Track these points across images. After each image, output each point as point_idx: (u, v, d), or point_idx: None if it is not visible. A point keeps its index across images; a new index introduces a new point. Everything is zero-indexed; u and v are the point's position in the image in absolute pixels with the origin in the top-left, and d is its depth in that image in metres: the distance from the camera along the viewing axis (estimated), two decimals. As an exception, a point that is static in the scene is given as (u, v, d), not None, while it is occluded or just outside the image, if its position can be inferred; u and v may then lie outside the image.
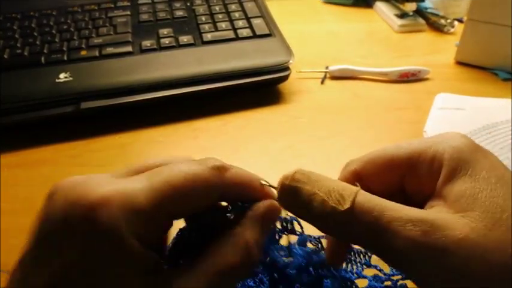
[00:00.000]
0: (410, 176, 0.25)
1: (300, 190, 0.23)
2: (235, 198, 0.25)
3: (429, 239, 0.20)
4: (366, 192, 0.22)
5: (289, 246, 0.28)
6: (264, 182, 0.25)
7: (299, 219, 0.28)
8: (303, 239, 0.29)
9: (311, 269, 0.28)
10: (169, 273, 0.22)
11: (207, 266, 0.22)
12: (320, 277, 0.28)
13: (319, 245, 0.30)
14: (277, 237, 0.28)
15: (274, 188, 0.25)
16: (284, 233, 0.28)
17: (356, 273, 0.28)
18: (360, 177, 0.26)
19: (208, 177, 0.22)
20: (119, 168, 0.24)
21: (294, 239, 0.29)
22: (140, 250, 0.20)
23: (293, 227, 0.28)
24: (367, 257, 0.29)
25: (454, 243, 0.19)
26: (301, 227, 0.29)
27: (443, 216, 0.21)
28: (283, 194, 0.24)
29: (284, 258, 0.28)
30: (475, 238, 0.19)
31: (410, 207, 0.21)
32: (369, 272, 0.29)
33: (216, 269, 0.21)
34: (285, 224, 0.28)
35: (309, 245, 0.29)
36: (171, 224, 0.23)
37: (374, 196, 0.22)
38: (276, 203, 0.25)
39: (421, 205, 0.23)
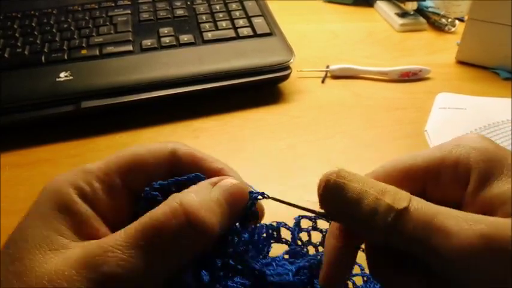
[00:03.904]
0: (433, 185, 0.24)
1: (347, 186, 0.22)
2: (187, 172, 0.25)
3: (489, 241, 0.19)
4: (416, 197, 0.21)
5: (276, 258, 0.26)
6: (252, 190, 0.24)
7: (287, 225, 0.27)
8: (294, 252, 0.27)
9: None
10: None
11: (133, 224, 0.21)
12: None
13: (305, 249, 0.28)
14: (263, 247, 0.26)
15: (278, 199, 0.24)
16: (271, 242, 0.27)
17: None
18: None
19: (158, 150, 0.25)
20: None
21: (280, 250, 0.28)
22: (75, 199, 0.22)
23: (279, 235, 0.27)
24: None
25: None
26: (293, 235, 0.28)
27: (499, 221, 0.20)
28: (328, 191, 0.22)
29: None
30: None
31: (464, 212, 0.20)
32: None
33: (140, 225, 0.20)
34: (270, 232, 0.26)
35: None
36: (131, 199, 0.24)
37: (423, 200, 0.21)
38: (234, 181, 0.24)
39: None
